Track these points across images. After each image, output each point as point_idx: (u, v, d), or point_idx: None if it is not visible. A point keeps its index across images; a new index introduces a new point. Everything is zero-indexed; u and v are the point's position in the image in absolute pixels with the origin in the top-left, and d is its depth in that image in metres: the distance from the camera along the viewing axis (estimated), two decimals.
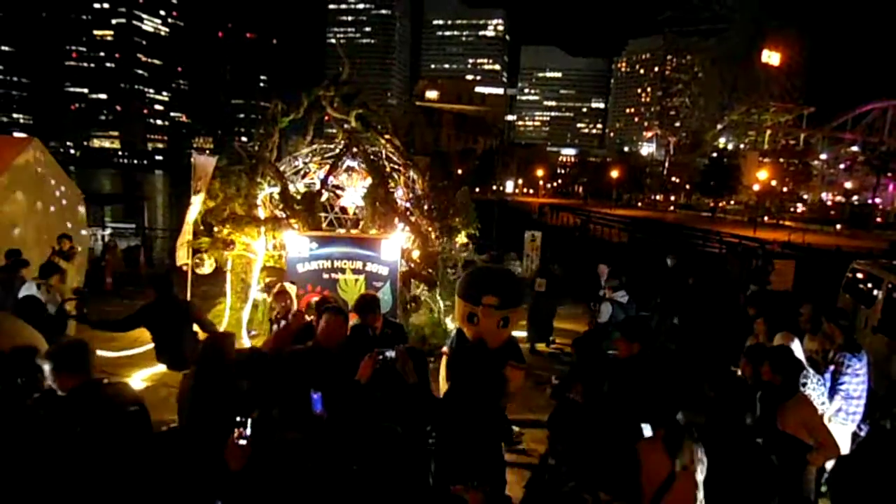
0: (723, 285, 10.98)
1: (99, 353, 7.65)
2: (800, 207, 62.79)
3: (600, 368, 3.57)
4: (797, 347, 4.64)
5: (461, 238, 8.49)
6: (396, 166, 8.67)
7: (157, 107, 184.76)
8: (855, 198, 65.92)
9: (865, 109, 71.53)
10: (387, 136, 8.72)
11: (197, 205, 8.31)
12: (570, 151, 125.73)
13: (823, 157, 73.09)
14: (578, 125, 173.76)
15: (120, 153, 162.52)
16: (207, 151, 8.24)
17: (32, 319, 3.81)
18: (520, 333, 8.76)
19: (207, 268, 7.95)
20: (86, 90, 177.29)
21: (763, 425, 3.46)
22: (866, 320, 7.49)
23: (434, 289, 8.35)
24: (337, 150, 8.47)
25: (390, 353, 2.93)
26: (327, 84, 8.61)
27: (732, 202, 69.12)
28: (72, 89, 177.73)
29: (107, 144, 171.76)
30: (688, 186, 79.90)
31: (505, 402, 3.18)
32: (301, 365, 3.24)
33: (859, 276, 8.40)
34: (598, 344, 4.00)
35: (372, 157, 8.37)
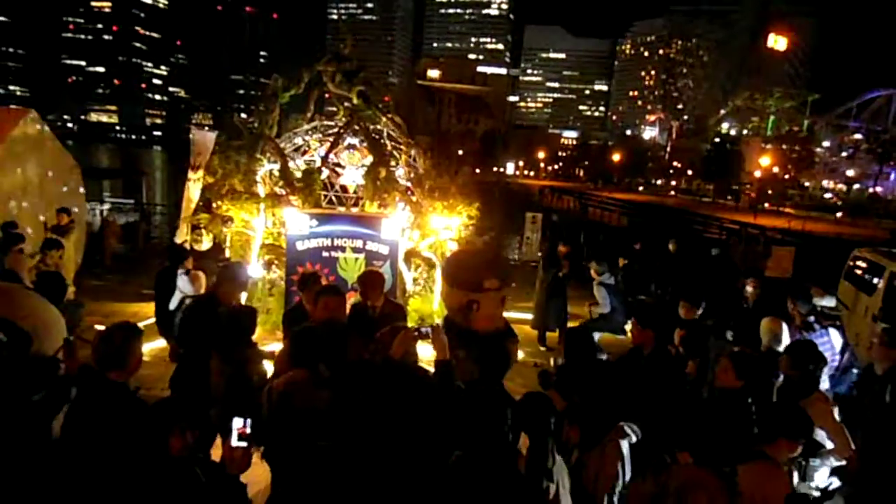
0: (723, 271, 10.97)
1: (98, 328, 7.68)
2: (803, 197, 62.42)
3: (588, 368, 3.48)
4: (785, 332, 4.63)
5: (462, 218, 8.42)
6: (398, 144, 8.57)
7: (156, 81, 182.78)
8: (856, 186, 65.73)
9: (870, 97, 70.98)
10: (389, 115, 8.61)
11: (196, 182, 8.24)
12: (572, 134, 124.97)
13: (826, 144, 72.69)
14: (581, 107, 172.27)
15: (118, 128, 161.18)
16: (207, 128, 8.14)
17: (52, 296, 3.75)
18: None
19: (206, 244, 7.90)
20: (83, 63, 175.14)
21: None
22: (867, 308, 7.49)
23: (434, 270, 8.32)
24: (338, 128, 8.36)
25: (426, 330, 2.89)
26: (328, 59, 8.46)
27: (736, 188, 68.77)
28: (69, 62, 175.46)
29: (104, 119, 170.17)
30: (689, 172, 79.59)
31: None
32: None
33: (860, 264, 8.38)
34: (589, 340, 3.90)
35: (373, 134, 8.27)
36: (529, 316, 8.80)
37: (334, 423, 2.58)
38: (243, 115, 8.97)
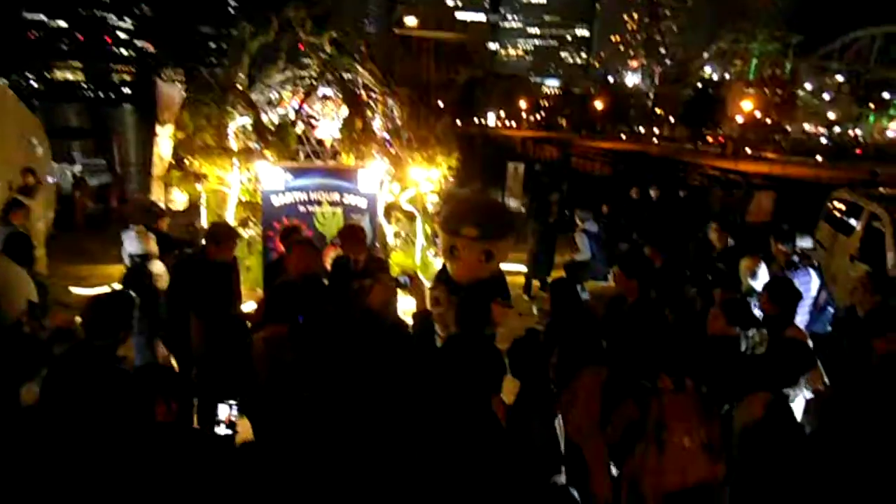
0: (704, 217, 11.02)
1: (73, 290, 7.52)
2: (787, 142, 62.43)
3: (575, 319, 3.46)
4: (763, 271, 4.75)
5: (443, 170, 8.27)
6: (374, 95, 8.30)
7: (121, 35, 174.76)
8: (836, 129, 65.98)
9: (853, 37, 70.43)
10: (367, 66, 8.30)
11: (166, 138, 7.95)
12: (554, 82, 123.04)
13: (808, 87, 72.43)
14: (562, 54, 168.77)
15: (85, 86, 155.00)
16: (177, 83, 7.81)
17: (20, 258, 3.61)
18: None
19: (180, 203, 7.70)
20: (43, 17, 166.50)
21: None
22: (844, 249, 7.57)
23: (414, 223, 8.22)
24: (311, 78, 8.05)
25: (404, 279, 2.82)
26: (297, 4, 8.07)
27: (719, 137, 68.65)
28: (28, 16, 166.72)
29: (70, 76, 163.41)
30: (672, 119, 79.13)
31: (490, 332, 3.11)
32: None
33: (839, 205, 8.43)
34: (574, 291, 3.85)
35: (348, 84, 7.99)
36: (521, 267, 8.82)
37: (313, 376, 2.54)
38: (216, 71, 8.58)
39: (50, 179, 9.56)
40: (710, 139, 64.09)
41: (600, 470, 2.94)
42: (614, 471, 3.13)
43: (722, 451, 2.67)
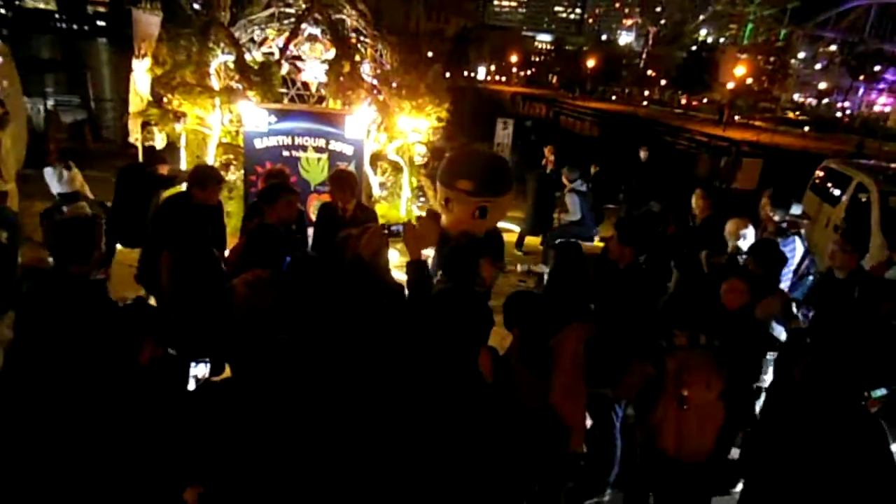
0: (691, 182, 11.01)
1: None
2: (792, 113, 62.09)
3: (578, 278, 3.43)
4: (750, 233, 4.82)
5: (431, 120, 8.04)
6: (363, 38, 7.96)
7: None
8: (825, 100, 65.97)
9: (850, 6, 69.67)
10: (359, 6, 7.92)
11: (143, 72, 7.57)
12: (547, 38, 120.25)
13: (801, 55, 71.94)
14: (556, 8, 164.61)
15: (57, 16, 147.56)
16: (156, 14, 7.37)
17: None
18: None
19: (159, 142, 7.39)
20: None
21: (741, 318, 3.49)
22: (829, 219, 7.61)
23: (400, 174, 8.04)
24: (297, 16, 7.67)
25: (397, 228, 2.70)
26: None
27: (704, 101, 68.31)
28: None
29: (41, 5, 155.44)
30: (663, 81, 78.28)
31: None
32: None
33: (827, 175, 8.43)
34: (580, 253, 3.77)
35: (337, 25, 7.63)
36: (513, 227, 8.77)
37: (296, 322, 2.46)
38: (195, 6, 8.11)
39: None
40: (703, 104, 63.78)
41: (580, 428, 2.97)
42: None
43: (734, 398, 2.85)
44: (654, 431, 2.91)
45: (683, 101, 66.83)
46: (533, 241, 8.51)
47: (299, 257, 2.60)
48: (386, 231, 2.68)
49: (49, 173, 4.66)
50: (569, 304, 3.08)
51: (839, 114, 60.95)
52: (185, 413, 2.22)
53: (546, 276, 4.00)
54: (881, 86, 65.74)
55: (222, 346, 2.64)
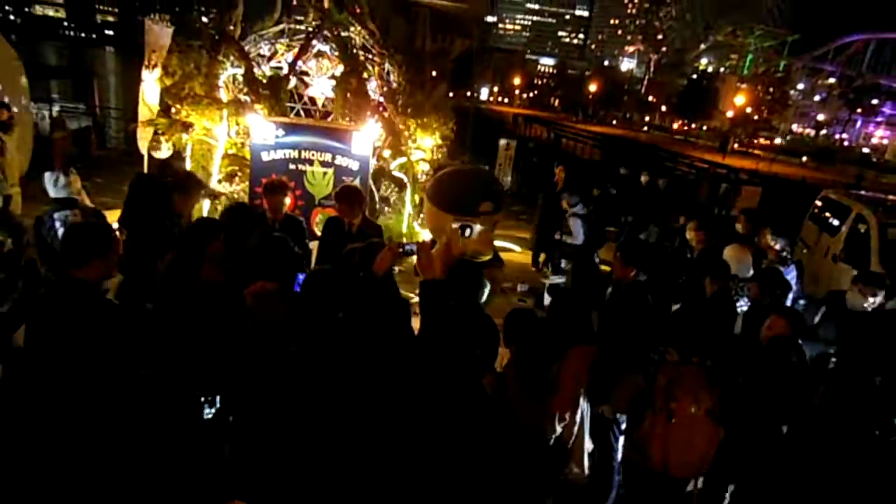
0: (692, 208, 11.08)
1: None
2: (777, 139, 62.77)
3: (593, 293, 3.47)
4: (750, 260, 4.94)
5: (436, 139, 8.11)
6: (371, 56, 8.06)
7: None
8: (823, 131, 66.68)
9: (848, 41, 70.79)
10: (368, 25, 8.03)
11: (152, 83, 7.63)
12: (550, 62, 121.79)
13: (801, 87, 72.93)
14: (560, 33, 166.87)
15: (66, 24, 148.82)
16: (166, 26, 7.45)
17: None
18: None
19: (165, 151, 7.43)
20: None
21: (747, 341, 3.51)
22: (828, 249, 7.65)
23: (404, 190, 8.09)
24: (307, 32, 7.77)
25: (410, 247, 2.71)
26: None
27: (704, 128, 69.03)
28: None
29: (51, 13, 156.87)
30: (664, 108, 79.16)
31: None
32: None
33: (826, 205, 8.50)
34: (596, 271, 3.83)
35: (345, 42, 7.73)
36: (514, 246, 8.81)
37: (304, 335, 2.46)
38: (204, 20, 8.23)
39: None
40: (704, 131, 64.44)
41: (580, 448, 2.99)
42: (590, 445, 3.21)
43: (723, 416, 2.92)
44: (642, 443, 2.96)
45: (677, 126, 67.51)
46: (523, 258, 8.66)
47: (317, 272, 2.61)
48: (400, 250, 2.69)
49: (48, 177, 4.66)
50: (573, 324, 3.09)
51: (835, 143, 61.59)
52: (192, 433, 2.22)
53: (549, 293, 4.04)
54: (879, 119, 66.54)
55: (231, 377, 2.64)
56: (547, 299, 6.30)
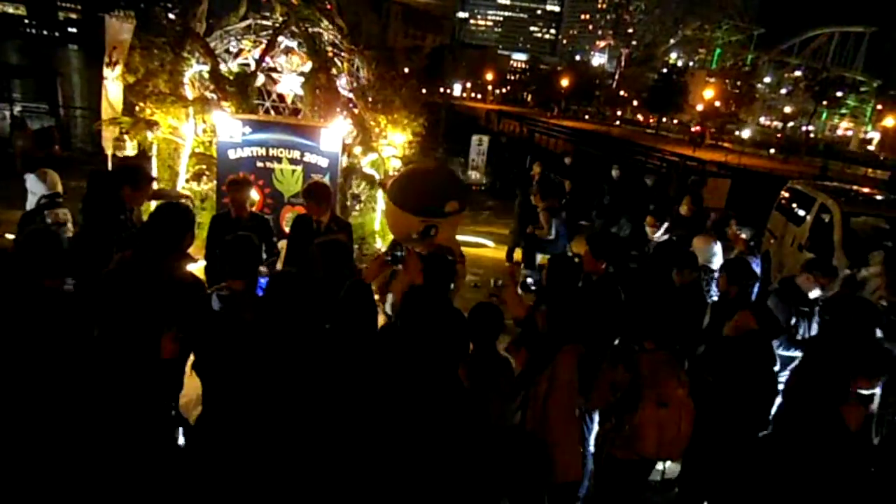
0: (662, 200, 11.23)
1: (9, 237, 7.03)
2: (746, 133, 63.94)
3: (570, 290, 3.47)
4: (718, 250, 5.01)
5: (407, 135, 8.06)
6: (340, 52, 7.97)
7: None
8: (790, 123, 68.26)
9: (813, 34, 72.54)
10: (336, 21, 7.92)
11: (114, 80, 7.44)
12: (522, 57, 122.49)
13: (767, 80, 74.56)
14: (531, 28, 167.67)
15: (27, 21, 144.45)
16: (128, 22, 7.25)
17: None
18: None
19: (130, 151, 7.26)
20: None
21: (711, 333, 3.55)
22: (794, 238, 7.82)
23: (376, 187, 8.02)
24: (273, 28, 7.65)
25: (401, 255, 2.71)
26: None
27: (675, 121, 70.15)
28: None
29: (11, 10, 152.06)
30: (635, 102, 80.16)
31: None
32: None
33: (793, 196, 8.69)
34: (574, 268, 3.81)
35: (313, 38, 7.63)
36: (487, 241, 8.83)
37: (272, 338, 2.42)
38: (171, 17, 8.03)
39: None
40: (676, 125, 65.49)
41: (575, 454, 3.01)
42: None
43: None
44: (635, 434, 2.98)
45: (651, 120, 68.48)
46: (496, 253, 8.69)
47: (281, 274, 2.58)
48: (388, 257, 2.71)
49: (32, 179, 4.63)
50: (563, 322, 3.11)
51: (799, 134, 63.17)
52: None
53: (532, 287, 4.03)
54: (843, 111, 68.37)
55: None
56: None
